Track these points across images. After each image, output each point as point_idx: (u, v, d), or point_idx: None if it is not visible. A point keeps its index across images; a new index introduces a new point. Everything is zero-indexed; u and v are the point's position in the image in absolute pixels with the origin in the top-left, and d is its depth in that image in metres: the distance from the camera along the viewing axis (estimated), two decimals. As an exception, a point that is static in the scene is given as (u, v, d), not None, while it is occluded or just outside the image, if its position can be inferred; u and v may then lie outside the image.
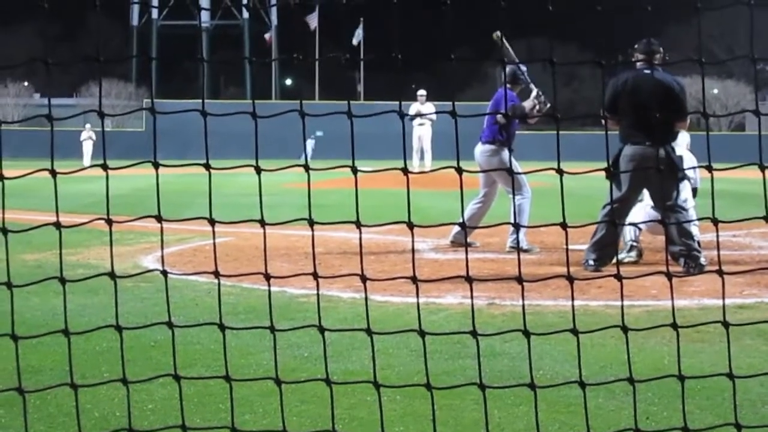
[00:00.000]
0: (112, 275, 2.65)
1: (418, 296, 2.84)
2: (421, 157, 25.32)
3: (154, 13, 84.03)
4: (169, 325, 2.66)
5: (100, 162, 2.71)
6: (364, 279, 2.69)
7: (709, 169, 2.70)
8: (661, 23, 61.68)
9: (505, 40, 9.24)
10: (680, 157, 8.25)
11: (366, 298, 2.82)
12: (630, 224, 8.07)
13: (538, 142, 41.66)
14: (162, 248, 5.62)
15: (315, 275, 2.67)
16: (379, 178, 14.77)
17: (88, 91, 66.93)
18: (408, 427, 3.66)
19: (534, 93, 9.59)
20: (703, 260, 7.70)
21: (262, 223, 2.71)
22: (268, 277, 2.67)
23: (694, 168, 8.68)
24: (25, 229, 2.76)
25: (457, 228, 9.42)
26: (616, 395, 3.97)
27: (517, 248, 3.13)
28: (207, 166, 2.71)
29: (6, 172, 2.54)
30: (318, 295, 2.86)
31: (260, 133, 2.78)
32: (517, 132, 10.03)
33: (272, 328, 2.69)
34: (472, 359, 4.54)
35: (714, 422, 3.47)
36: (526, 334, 2.64)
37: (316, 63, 52.79)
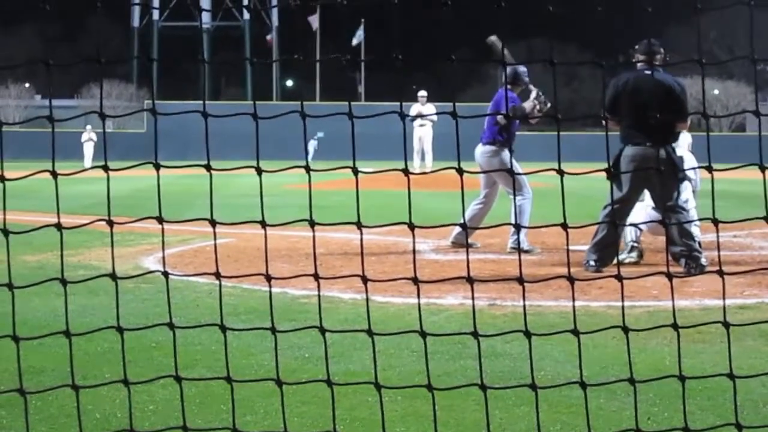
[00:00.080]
0: (113, 276, 2.65)
1: (419, 297, 2.84)
2: (422, 158, 25.32)
3: (155, 15, 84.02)
4: (170, 326, 2.66)
5: (101, 163, 2.71)
6: (365, 280, 2.69)
7: (710, 169, 2.70)
8: (661, 24, 61.67)
9: (499, 43, 9.28)
10: (681, 158, 8.25)
11: (367, 299, 2.83)
12: (631, 225, 8.07)
13: (539, 142, 41.61)
14: (163, 249, 5.63)
15: (316, 276, 2.67)
16: (380, 179, 14.77)
17: (89, 93, 66.88)
18: (409, 427, 3.66)
19: (534, 93, 9.59)
20: (703, 261, 7.70)
21: (263, 224, 2.71)
22: (269, 278, 2.67)
23: (694, 169, 8.67)
24: (27, 231, 2.75)
25: (458, 229, 9.41)
26: (617, 396, 3.97)
27: (518, 249, 3.12)
28: (208, 167, 2.71)
29: (7, 173, 2.55)
30: (319, 296, 2.86)
31: (261, 134, 2.79)
32: (517, 132, 10.03)
33: (273, 329, 2.69)
34: (473, 360, 4.54)
35: (715, 422, 3.47)
36: (527, 334, 2.64)
37: (317, 64, 52.81)
